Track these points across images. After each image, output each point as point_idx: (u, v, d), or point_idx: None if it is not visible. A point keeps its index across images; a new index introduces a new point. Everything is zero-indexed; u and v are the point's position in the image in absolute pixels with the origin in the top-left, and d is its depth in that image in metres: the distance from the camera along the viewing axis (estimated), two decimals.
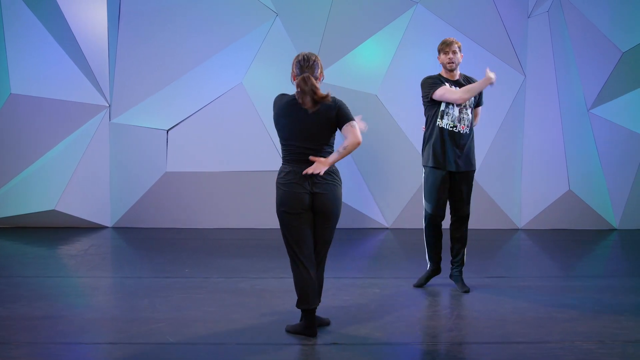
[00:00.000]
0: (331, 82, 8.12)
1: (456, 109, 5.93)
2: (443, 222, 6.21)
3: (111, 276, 6.61)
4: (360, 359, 4.36)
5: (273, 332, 4.81)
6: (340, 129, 4.63)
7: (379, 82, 8.99)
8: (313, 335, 4.70)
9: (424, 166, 6.06)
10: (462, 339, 4.73)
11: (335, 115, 4.59)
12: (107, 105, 8.78)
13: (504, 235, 8.92)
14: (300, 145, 4.61)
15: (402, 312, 5.40)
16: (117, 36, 8.74)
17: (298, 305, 4.71)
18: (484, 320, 5.13)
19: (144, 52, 8.78)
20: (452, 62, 6.00)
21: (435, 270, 6.18)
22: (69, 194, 8.72)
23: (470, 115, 6.01)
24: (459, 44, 6.08)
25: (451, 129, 5.91)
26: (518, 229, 9.30)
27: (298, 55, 4.67)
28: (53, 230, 8.69)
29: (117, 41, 8.75)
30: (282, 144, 4.71)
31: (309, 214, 4.67)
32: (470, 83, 6.04)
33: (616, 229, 9.39)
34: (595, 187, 9.34)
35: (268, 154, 8.81)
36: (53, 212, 8.73)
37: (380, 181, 9.06)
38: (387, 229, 9.10)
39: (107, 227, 8.93)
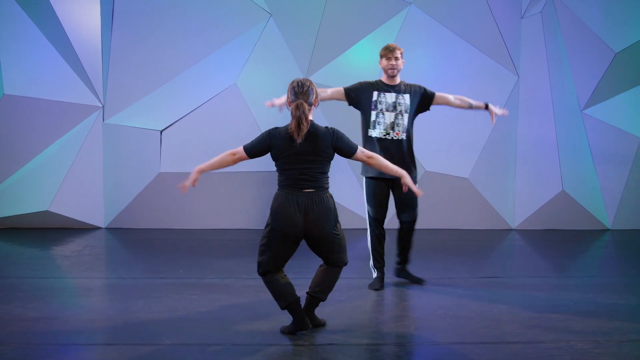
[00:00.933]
0: (325, 82, 8.12)
1: (389, 115, 6.02)
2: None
3: (105, 277, 6.60)
4: None
5: (269, 332, 4.80)
6: (351, 158, 4.80)
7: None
8: (306, 327, 4.74)
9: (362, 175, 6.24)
10: (457, 339, 4.74)
11: (334, 147, 4.72)
12: (101, 105, 8.76)
13: (498, 236, 8.94)
14: (297, 174, 4.68)
15: (397, 313, 5.41)
16: (110, 37, 8.72)
17: (280, 306, 4.76)
18: (479, 321, 5.14)
19: (137, 53, 8.76)
20: (394, 68, 6.05)
21: (383, 276, 6.20)
22: (62, 194, 8.70)
23: (406, 121, 6.04)
24: (402, 50, 6.13)
25: (384, 137, 6.00)
26: (512, 229, 9.32)
27: (293, 82, 4.74)
28: (46, 231, 8.66)
29: (111, 42, 8.73)
30: (278, 172, 4.79)
31: (295, 241, 4.74)
32: (411, 89, 6.12)
33: (609, 229, 9.42)
34: (588, 188, 9.37)
35: None
36: (46, 213, 8.70)
37: None
38: None
39: (100, 227, 8.91)
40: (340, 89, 6.14)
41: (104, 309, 5.37)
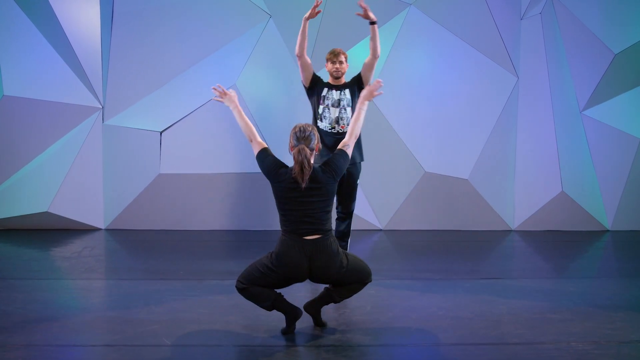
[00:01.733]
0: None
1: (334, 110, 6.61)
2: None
3: (105, 278, 6.60)
4: None
5: (269, 334, 4.81)
6: (349, 157, 4.97)
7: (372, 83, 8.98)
8: (299, 314, 4.81)
9: None
10: (457, 340, 4.74)
11: (336, 178, 4.81)
12: (101, 106, 8.76)
13: (498, 237, 8.94)
14: (301, 216, 4.71)
15: (397, 314, 5.42)
16: (110, 37, 8.72)
17: (266, 307, 4.82)
18: (479, 321, 5.15)
19: (137, 54, 8.76)
20: (338, 71, 6.68)
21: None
22: (62, 195, 8.69)
23: (349, 115, 6.59)
24: (346, 55, 6.80)
25: (330, 130, 6.58)
26: (511, 230, 9.32)
27: (295, 127, 4.83)
28: (46, 232, 8.65)
29: (110, 42, 8.73)
30: (281, 214, 4.80)
31: (296, 281, 4.82)
32: (349, 85, 6.74)
33: (609, 230, 9.42)
34: (588, 189, 9.37)
35: None
36: (46, 214, 8.70)
37: (374, 183, 9.06)
38: (380, 230, 9.11)
39: (100, 229, 8.91)
40: (311, 69, 6.75)
41: (104, 310, 5.38)
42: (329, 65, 6.70)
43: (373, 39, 6.73)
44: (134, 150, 8.84)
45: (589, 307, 5.57)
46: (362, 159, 6.90)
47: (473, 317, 5.27)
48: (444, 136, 9.10)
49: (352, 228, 6.96)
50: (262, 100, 8.92)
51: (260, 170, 4.94)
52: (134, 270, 6.85)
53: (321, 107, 6.64)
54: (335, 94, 6.66)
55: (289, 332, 4.80)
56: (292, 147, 4.79)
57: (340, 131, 6.55)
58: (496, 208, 9.29)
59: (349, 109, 6.63)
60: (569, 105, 9.26)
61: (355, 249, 8.05)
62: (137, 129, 8.83)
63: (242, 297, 4.83)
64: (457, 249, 8.08)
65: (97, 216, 8.91)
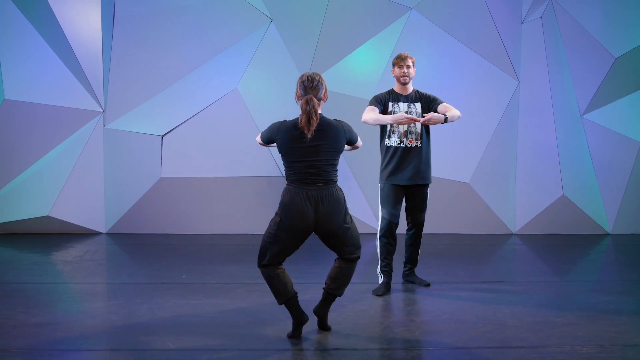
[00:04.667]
0: (330, 87, 8.11)
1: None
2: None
3: (107, 282, 6.58)
4: None
5: (273, 337, 4.80)
6: (352, 147, 4.97)
7: (374, 87, 8.96)
8: (305, 320, 4.76)
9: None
10: (461, 344, 4.73)
11: (347, 140, 4.80)
12: (102, 110, 8.76)
13: (498, 240, 8.95)
14: (306, 167, 4.66)
15: (401, 317, 5.41)
16: (111, 41, 8.73)
17: (278, 302, 4.76)
18: (483, 325, 5.14)
19: (138, 58, 8.77)
20: (406, 76, 6.14)
21: (389, 282, 6.22)
22: (63, 199, 8.69)
23: (418, 129, 6.17)
24: (413, 59, 6.23)
25: (398, 145, 6.14)
26: (512, 234, 9.32)
27: (302, 76, 4.74)
28: (47, 236, 8.65)
29: (112, 46, 8.73)
30: (286, 166, 4.75)
31: (305, 235, 4.73)
32: (423, 98, 6.21)
33: (609, 234, 9.43)
34: (588, 192, 9.39)
35: (263, 160, 8.81)
36: (47, 218, 8.69)
37: (375, 187, 9.04)
38: None
39: (101, 233, 8.90)
40: (373, 110, 6.11)
41: (107, 314, 5.36)
42: (396, 70, 6.17)
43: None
44: (135, 154, 8.84)
45: (592, 311, 5.56)
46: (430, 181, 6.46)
47: (477, 320, 5.27)
48: (445, 140, 9.10)
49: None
50: (264, 103, 8.92)
51: (261, 175, 4.91)
52: (136, 274, 6.84)
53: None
54: (402, 107, 6.15)
55: (294, 336, 4.78)
56: (299, 97, 4.72)
57: (409, 145, 6.13)
58: (497, 212, 9.30)
59: (418, 124, 6.12)
60: (570, 108, 9.28)
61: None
62: (138, 132, 8.83)
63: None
64: (459, 253, 8.08)
65: (98, 220, 8.90)
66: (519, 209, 9.33)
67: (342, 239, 4.78)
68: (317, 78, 4.71)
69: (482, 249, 8.34)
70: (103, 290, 6.27)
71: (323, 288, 4.90)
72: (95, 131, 8.75)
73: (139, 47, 8.77)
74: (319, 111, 4.66)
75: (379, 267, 6.25)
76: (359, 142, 4.99)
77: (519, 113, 9.21)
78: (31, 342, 4.63)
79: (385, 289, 6.09)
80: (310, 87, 4.67)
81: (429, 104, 6.20)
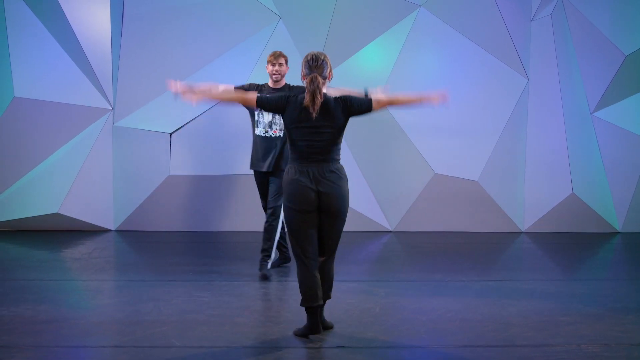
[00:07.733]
0: (334, 84, 8.09)
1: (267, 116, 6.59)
2: None
3: (115, 279, 6.62)
4: None
5: (279, 335, 4.81)
6: (372, 111, 4.77)
7: (382, 85, 8.96)
8: (318, 332, 4.72)
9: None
10: (467, 342, 4.73)
11: (348, 114, 4.71)
12: (111, 108, 8.78)
13: (507, 239, 8.92)
14: (310, 145, 4.67)
15: (406, 315, 5.40)
16: (120, 39, 8.75)
17: (302, 303, 4.73)
18: (489, 324, 5.13)
19: (147, 55, 8.78)
20: (278, 74, 6.59)
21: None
22: (72, 197, 8.72)
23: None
24: (286, 57, 6.68)
25: (264, 134, 6.62)
26: (521, 232, 9.29)
27: (307, 55, 4.76)
28: (56, 233, 8.69)
29: (121, 44, 8.76)
30: (290, 143, 4.76)
31: (314, 214, 4.71)
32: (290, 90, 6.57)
33: (619, 232, 9.39)
34: (598, 190, 9.34)
35: None
36: (56, 216, 8.73)
37: (384, 185, 9.06)
38: (390, 232, 9.10)
39: (110, 230, 8.93)
40: (230, 87, 6.46)
41: (114, 312, 5.39)
42: (269, 67, 6.61)
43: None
44: (144, 151, 8.87)
45: (599, 310, 5.54)
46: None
47: (482, 319, 5.26)
48: (454, 138, 9.08)
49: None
50: None
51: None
52: (144, 271, 6.87)
53: (256, 113, 6.64)
54: None
55: (301, 334, 4.77)
56: (304, 76, 4.73)
57: (272, 135, 6.59)
58: (506, 210, 9.27)
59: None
60: (580, 106, 9.23)
61: (365, 250, 8.07)
62: (147, 130, 8.85)
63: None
64: (467, 251, 8.06)
65: (107, 217, 8.93)
66: (528, 207, 9.30)
67: (332, 231, 4.76)
68: (322, 57, 4.74)
69: (490, 248, 8.32)
70: (110, 287, 6.30)
71: None
72: (104, 129, 8.77)
73: (148, 45, 8.79)
74: (324, 90, 4.68)
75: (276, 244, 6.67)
76: (379, 102, 4.75)
77: (528, 111, 9.17)
78: (38, 339, 4.66)
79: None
80: (315, 66, 4.69)
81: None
